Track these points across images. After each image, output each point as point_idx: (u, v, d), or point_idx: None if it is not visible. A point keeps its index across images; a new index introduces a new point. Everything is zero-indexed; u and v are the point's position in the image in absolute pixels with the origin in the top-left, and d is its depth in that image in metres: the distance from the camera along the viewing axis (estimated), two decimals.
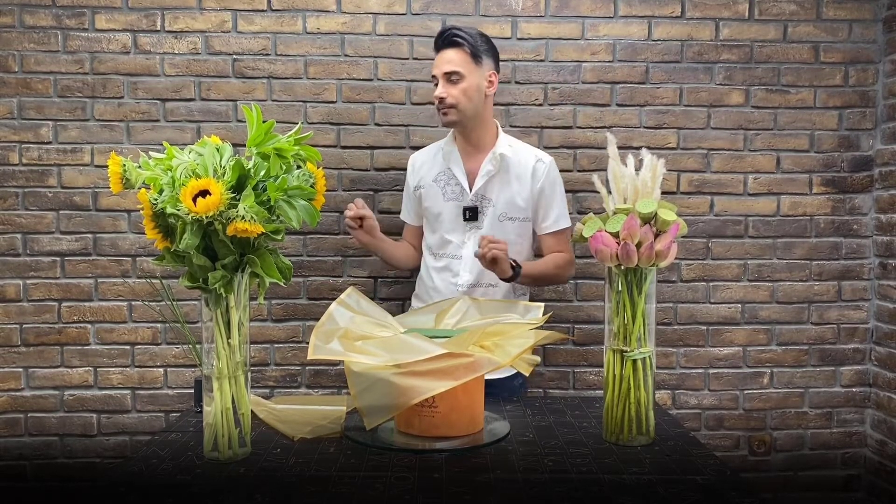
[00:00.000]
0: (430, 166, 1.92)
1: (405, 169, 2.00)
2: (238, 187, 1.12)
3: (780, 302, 2.32)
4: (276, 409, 1.52)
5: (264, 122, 1.18)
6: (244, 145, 1.14)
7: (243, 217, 1.07)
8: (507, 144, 1.88)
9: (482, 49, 1.80)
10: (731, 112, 2.28)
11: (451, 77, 1.77)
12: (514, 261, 1.74)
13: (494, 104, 2.23)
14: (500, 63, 2.22)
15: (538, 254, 1.95)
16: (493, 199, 1.85)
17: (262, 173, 1.14)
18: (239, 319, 1.20)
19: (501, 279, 1.74)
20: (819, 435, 2.34)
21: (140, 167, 1.14)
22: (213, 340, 1.19)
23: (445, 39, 1.79)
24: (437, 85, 1.80)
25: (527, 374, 1.32)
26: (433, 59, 1.81)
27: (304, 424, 1.41)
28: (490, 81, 1.83)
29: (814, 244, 2.32)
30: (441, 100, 1.78)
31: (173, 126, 2.18)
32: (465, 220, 1.85)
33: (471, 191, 1.85)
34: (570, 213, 2.25)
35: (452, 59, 1.77)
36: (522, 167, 1.86)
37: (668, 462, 1.23)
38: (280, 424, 1.42)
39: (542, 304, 1.51)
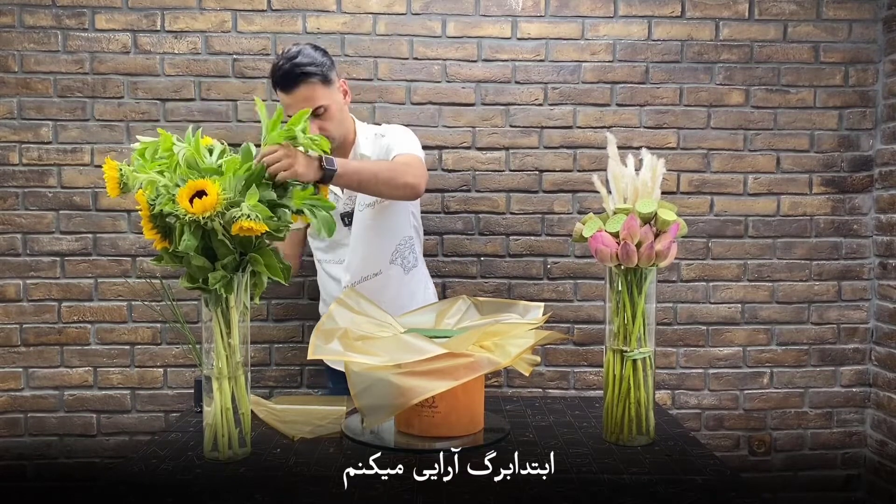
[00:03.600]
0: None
1: None
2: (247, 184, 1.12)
3: (780, 302, 2.32)
4: (276, 409, 1.52)
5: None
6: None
7: (248, 216, 1.07)
8: (364, 137, 1.82)
9: (327, 67, 1.70)
10: (731, 112, 2.28)
11: (316, 112, 1.67)
12: (322, 158, 1.39)
13: (494, 104, 2.24)
14: (501, 63, 2.23)
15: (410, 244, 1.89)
16: (356, 194, 1.77)
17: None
18: (239, 319, 1.20)
19: (311, 182, 1.35)
20: (819, 435, 2.34)
21: (136, 171, 1.13)
22: (213, 340, 1.19)
23: (293, 78, 1.64)
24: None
25: (527, 374, 1.32)
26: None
27: (304, 424, 1.41)
28: (344, 91, 1.77)
29: (814, 244, 2.32)
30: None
31: (173, 126, 2.18)
32: (346, 225, 1.81)
33: (343, 193, 1.80)
34: (569, 213, 2.27)
35: (309, 95, 1.65)
36: (371, 149, 1.79)
37: (668, 462, 1.23)
38: (280, 424, 1.42)
39: (542, 304, 1.51)
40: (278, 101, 2.20)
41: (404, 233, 1.86)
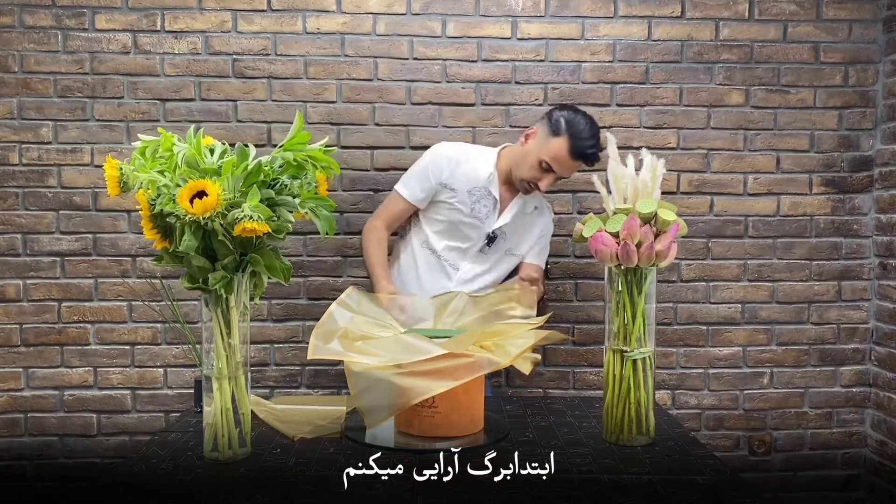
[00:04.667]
0: (467, 175, 1.89)
1: (405, 169, 1.98)
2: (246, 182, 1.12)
3: (780, 302, 2.32)
4: (276, 409, 1.52)
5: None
6: (245, 146, 1.14)
7: (250, 217, 1.07)
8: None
9: None
10: (731, 112, 2.28)
11: (560, 178, 1.86)
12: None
13: (494, 104, 2.24)
14: (501, 63, 2.23)
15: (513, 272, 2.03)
16: (509, 234, 1.93)
17: (280, 172, 1.15)
18: (239, 319, 1.20)
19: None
20: (819, 435, 2.34)
21: (136, 170, 1.13)
22: (213, 340, 1.19)
23: (589, 158, 1.80)
24: (545, 170, 1.81)
25: (527, 373, 1.32)
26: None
27: (304, 424, 1.41)
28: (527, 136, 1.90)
29: (814, 244, 2.32)
30: (542, 188, 1.84)
31: (173, 126, 2.18)
32: (487, 244, 1.92)
33: (498, 218, 1.91)
34: (569, 213, 2.27)
35: (577, 168, 1.84)
36: (535, 212, 1.98)
37: (668, 462, 1.23)
38: (280, 424, 1.41)
39: (535, 288, 1.52)
40: (277, 102, 2.20)
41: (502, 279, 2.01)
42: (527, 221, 1.96)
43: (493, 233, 1.91)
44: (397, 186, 1.92)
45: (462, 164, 1.89)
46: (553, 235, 2.26)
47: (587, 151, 1.79)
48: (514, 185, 1.91)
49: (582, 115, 1.82)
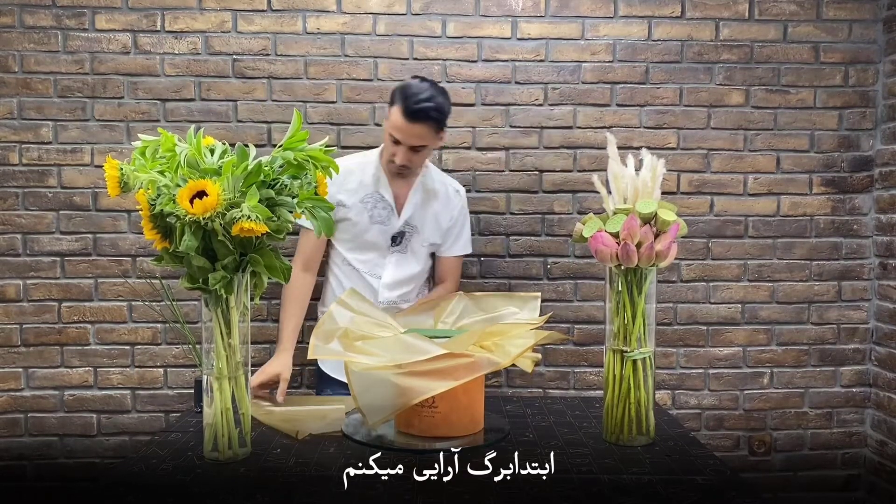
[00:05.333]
0: (354, 186, 1.87)
1: None
2: (246, 181, 1.12)
3: (780, 302, 2.32)
4: (276, 410, 1.52)
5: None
6: (245, 146, 1.14)
7: (248, 217, 1.07)
8: (437, 175, 1.97)
9: (446, 119, 1.78)
10: (731, 112, 2.28)
11: (417, 148, 1.77)
12: None
13: (494, 104, 2.24)
14: (501, 63, 2.23)
15: (431, 274, 2.04)
16: (419, 227, 1.91)
17: (280, 172, 1.15)
18: (239, 319, 1.20)
19: None
20: (819, 435, 2.34)
21: (136, 170, 1.13)
22: (213, 340, 1.19)
23: (422, 114, 1.71)
24: (395, 142, 1.76)
25: (529, 371, 1.32)
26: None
27: (305, 423, 1.41)
28: (441, 138, 1.83)
29: (814, 244, 2.32)
30: (402, 164, 1.78)
31: (173, 126, 2.18)
32: (393, 245, 1.90)
33: (399, 216, 1.89)
34: (569, 214, 2.27)
35: (422, 134, 1.74)
36: (442, 197, 1.94)
37: (668, 462, 1.23)
38: (281, 423, 1.42)
39: (539, 294, 1.52)
40: (277, 102, 2.20)
41: (426, 275, 2.01)
42: (433, 210, 1.92)
43: (396, 233, 1.89)
44: (299, 221, 1.74)
45: (346, 177, 1.84)
46: (553, 235, 2.27)
47: (415, 107, 1.69)
48: (404, 177, 1.88)
49: (420, 79, 1.77)
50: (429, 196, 1.92)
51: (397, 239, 1.90)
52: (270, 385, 1.73)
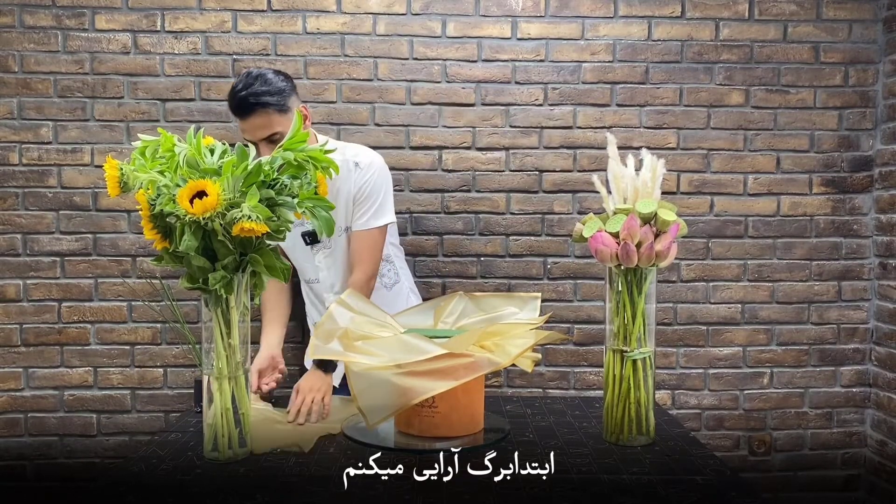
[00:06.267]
0: None
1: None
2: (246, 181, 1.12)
3: (780, 302, 2.32)
4: (280, 429, 1.45)
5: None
6: (245, 146, 1.14)
7: (249, 217, 1.07)
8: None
9: (286, 95, 1.65)
10: (731, 112, 2.28)
11: (272, 138, 1.63)
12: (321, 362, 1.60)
13: (495, 104, 2.24)
14: (501, 63, 2.23)
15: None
16: None
17: (280, 172, 1.15)
18: (239, 319, 1.20)
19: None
20: (819, 435, 2.34)
21: (136, 170, 1.13)
22: (213, 340, 1.19)
23: (247, 106, 1.60)
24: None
25: (529, 371, 1.32)
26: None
27: (306, 434, 1.37)
28: (304, 117, 1.71)
29: (814, 244, 2.32)
30: None
31: (173, 126, 2.18)
32: (308, 244, 1.79)
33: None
34: (569, 213, 2.27)
35: (264, 124, 1.61)
36: (342, 174, 1.71)
37: (668, 462, 1.23)
38: (285, 445, 1.34)
39: (539, 294, 1.52)
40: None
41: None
42: (332, 192, 1.68)
43: (305, 231, 1.77)
44: None
45: None
46: (553, 235, 2.27)
47: (236, 105, 1.61)
48: None
49: (246, 74, 1.65)
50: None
51: (307, 238, 1.78)
52: (269, 370, 1.69)
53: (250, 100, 1.59)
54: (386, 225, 1.79)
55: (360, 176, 1.76)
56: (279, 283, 1.82)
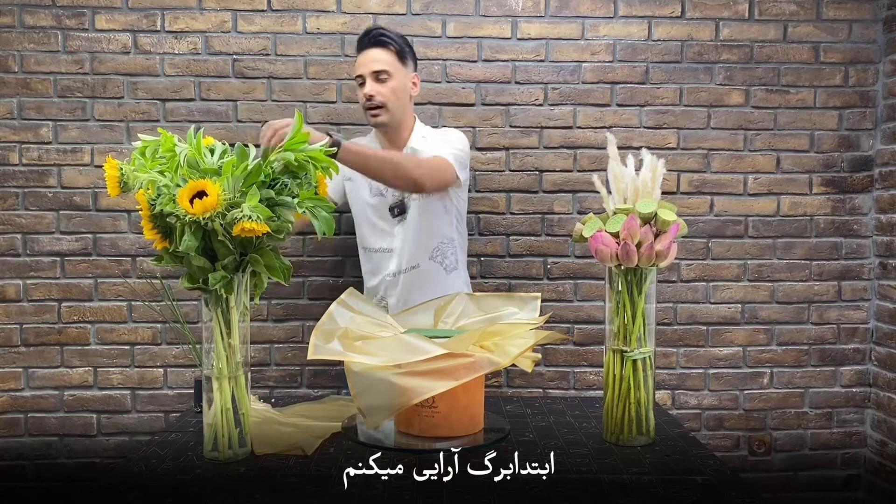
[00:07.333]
0: None
1: None
2: (246, 180, 1.11)
3: (780, 302, 2.32)
4: (283, 430, 1.43)
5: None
6: (245, 146, 1.14)
7: (249, 217, 1.07)
8: (421, 136, 1.91)
9: (407, 50, 1.84)
10: (731, 112, 2.28)
11: (380, 76, 1.79)
12: (330, 133, 1.58)
13: (494, 104, 2.24)
14: (501, 63, 2.23)
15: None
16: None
17: (279, 172, 1.15)
18: (239, 319, 1.20)
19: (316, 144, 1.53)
20: (819, 435, 2.34)
21: (136, 170, 1.13)
22: (213, 340, 1.19)
23: (371, 39, 1.80)
24: (362, 85, 1.81)
25: (529, 370, 1.32)
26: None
27: (306, 436, 1.36)
28: (414, 83, 1.88)
29: (814, 244, 2.32)
30: (370, 98, 1.79)
31: (173, 126, 2.18)
32: (394, 217, 1.90)
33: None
34: (569, 213, 2.27)
35: (380, 58, 1.79)
36: (422, 146, 1.89)
37: (668, 462, 1.23)
38: (286, 448, 1.34)
39: (539, 294, 1.51)
40: (277, 102, 2.20)
41: (445, 233, 1.93)
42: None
43: (396, 201, 1.87)
44: None
45: None
46: (553, 235, 2.27)
47: (364, 38, 1.81)
48: (397, 145, 1.88)
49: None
50: (417, 151, 1.88)
51: (395, 210, 1.89)
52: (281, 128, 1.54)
53: (378, 35, 1.80)
54: (453, 165, 1.83)
55: (442, 132, 1.95)
56: None
